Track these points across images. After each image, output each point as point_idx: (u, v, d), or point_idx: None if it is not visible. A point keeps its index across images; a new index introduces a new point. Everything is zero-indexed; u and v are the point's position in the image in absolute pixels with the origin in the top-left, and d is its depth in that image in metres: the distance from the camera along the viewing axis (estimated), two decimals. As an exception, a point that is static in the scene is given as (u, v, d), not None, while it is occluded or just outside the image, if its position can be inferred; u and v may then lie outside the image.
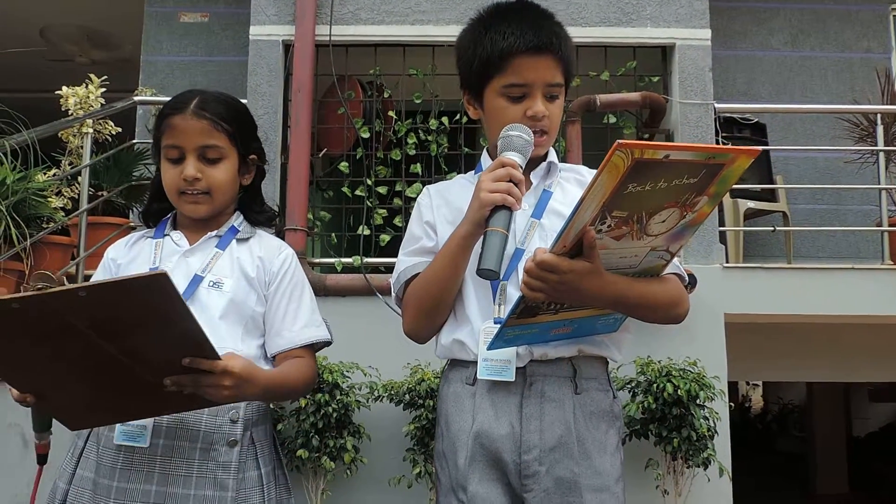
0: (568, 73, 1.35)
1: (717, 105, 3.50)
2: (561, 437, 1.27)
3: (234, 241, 1.41)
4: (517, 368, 1.28)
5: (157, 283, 1.01)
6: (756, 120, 4.16)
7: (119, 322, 1.04)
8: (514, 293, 1.31)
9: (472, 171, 1.49)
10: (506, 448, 1.27)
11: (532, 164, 1.38)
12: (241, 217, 1.46)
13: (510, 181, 1.20)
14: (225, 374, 1.15)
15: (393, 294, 1.44)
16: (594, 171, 1.40)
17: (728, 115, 3.91)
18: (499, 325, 1.26)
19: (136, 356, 1.09)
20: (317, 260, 3.38)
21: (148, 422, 1.25)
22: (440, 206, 1.43)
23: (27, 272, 2.87)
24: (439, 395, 1.40)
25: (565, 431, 1.27)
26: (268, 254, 1.41)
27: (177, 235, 1.40)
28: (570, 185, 1.41)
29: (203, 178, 1.34)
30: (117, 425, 1.26)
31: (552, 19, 1.36)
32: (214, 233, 1.41)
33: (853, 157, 4.15)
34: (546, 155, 1.41)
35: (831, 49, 4.83)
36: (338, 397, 2.72)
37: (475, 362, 1.30)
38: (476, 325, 1.32)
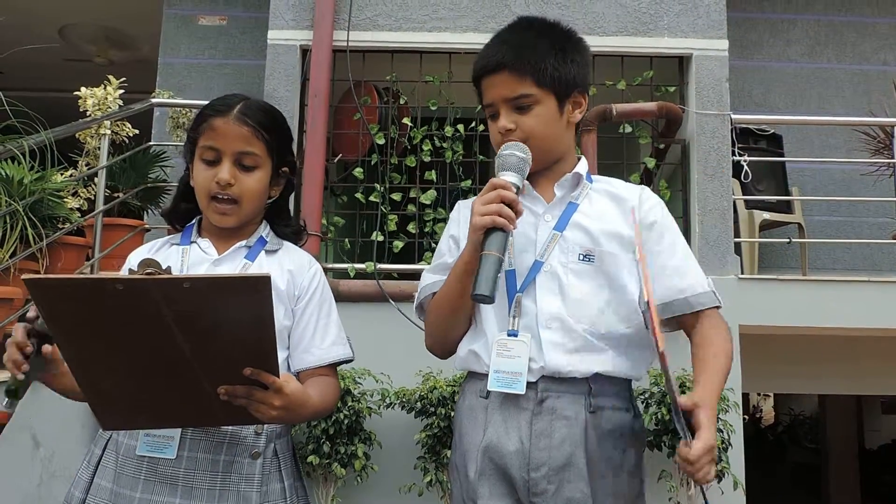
0: (542, 79, 1.32)
1: (733, 116, 3.47)
2: (570, 455, 1.24)
3: (262, 252, 1.40)
4: (529, 383, 1.27)
5: (260, 285, 1.00)
6: (772, 131, 4.13)
7: (205, 319, 1.02)
8: (529, 305, 1.30)
9: None
10: (514, 464, 1.26)
11: (557, 175, 1.38)
12: (269, 228, 1.45)
13: (502, 202, 1.22)
14: (279, 394, 1.13)
15: (414, 309, 1.47)
16: (627, 184, 1.42)
17: (744, 126, 3.89)
18: (512, 337, 1.27)
19: (205, 359, 1.07)
20: (330, 265, 3.38)
21: (175, 433, 1.24)
22: (467, 220, 1.41)
23: (42, 272, 2.88)
24: (456, 407, 1.40)
25: (575, 450, 1.25)
26: (298, 268, 1.40)
27: (205, 243, 1.38)
28: (601, 197, 1.39)
29: (236, 185, 1.33)
30: (140, 435, 1.25)
31: (531, 30, 1.36)
32: (244, 242, 1.40)
33: (869, 169, 4.12)
34: (574, 166, 1.40)
35: (848, 61, 4.80)
36: (349, 404, 2.72)
37: (488, 374, 1.30)
38: (491, 336, 1.31)
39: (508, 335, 1.29)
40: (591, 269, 1.32)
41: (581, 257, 1.32)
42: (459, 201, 1.52)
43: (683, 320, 1.35)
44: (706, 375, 1.24)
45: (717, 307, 1.35)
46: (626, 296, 1.32)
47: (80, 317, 1.01)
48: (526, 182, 1.36)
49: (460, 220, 1.44)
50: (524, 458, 1.25)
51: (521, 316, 1.29)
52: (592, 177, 1.43)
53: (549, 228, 1.35)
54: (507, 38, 1.36)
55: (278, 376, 1.13)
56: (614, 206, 1.38)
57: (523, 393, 1.26)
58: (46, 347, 1.13)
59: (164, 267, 1.08)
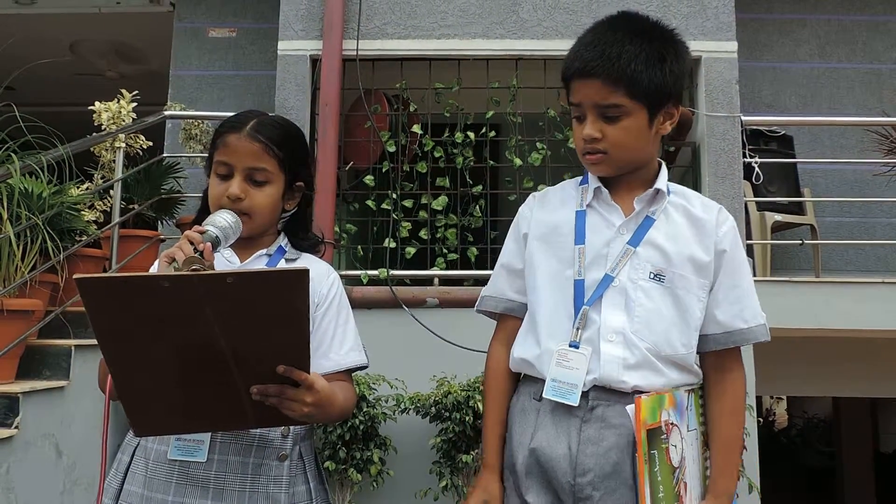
0: (636, 91, 1.27)
1: (743, 118, 3.48)
2: (617, 464, 1.24)
3: (283, 260, 1.43)
4: (581, 392, 1.27)
5: (300, 279, 1.02)
6: (783, 132, 4.13)
7: (245, 315, 1.03)
8: (595, 318, 1.29)
9: (579, 179, 1.44)
10: (560, 468, 1.26)
11: (636, 184, 1.35)
12: (287, 239, 1.48)
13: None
14: (311, 391, 1.15)
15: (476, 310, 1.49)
16: (704, 202, 1.39)
17: (755, 127, 3.89)
18: (573, 349, 1.28)
19: (241, 356, 1.08)
20: (343, 272, 3.40)
21: (205, 437, 1.27)
22: (537, 218, 1.42)
23: (61, 285, 2.92)
24: (510, 405, 1.40)
25: (622, 459, 1.24)
26: (317, 276, 1.42)
27: (227, 252, 1.41)
28: (678, 214, 1.35)
29: (246, 199, 1.36)
30: (171, 440, 1.27)
31: (631, 33, 1.29)
32: (265, 251, 1.43)
33: (882, 169, 4.10)
34: (654, 175, 1.36)
35: (859, 60, 4.79)
36: (364, 409, 2.73)
37: (544, 380, 1.30)
38: (547, 346, 1.31)
39: (570, 346, 1.29)
40: (661, 288, 1.30)
41: (652, 276, 1.30)
42: (534, 193, 1.48)
43: (709, 355, 1.35)
44: (724, 468, 1.32)
45: (768, 339, 1.35)
46: (691, 320, 1.31)
47: (125, 315, 1.02)
48: (604, 189, 1.35)
49: (532, 218, 1.43)
50: (571, 463, 1.25)
51: (584, 328, 1.29)
52: (670, 186, 1.39)
53: (623, 242, 1.32)
54: (605, 40, 1.28)
55: (309, 374, 1.15)
56: (691, 227, 1.35)
57: (577, 405, 1.26)
58: (208, 247, 1.19)
59: (207, 264, 1.10)
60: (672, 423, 1.26)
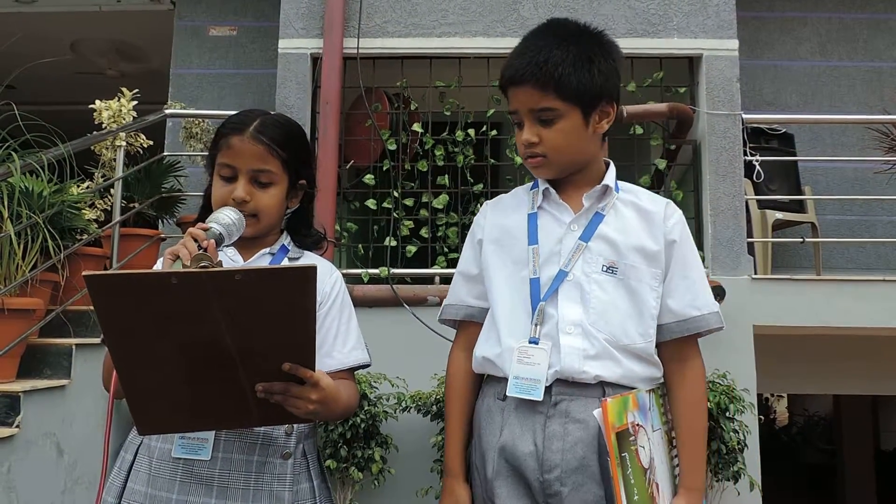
0: (566, 93, 1.30)
1: (744, 116, 3.48)
2: (583, 458, 1.25)
3: (286, 259, 1.43)
4: (545, 387, 1.29)
5: (308, 275, 1.02)
6: (784, 130, 4.12)
7: (253, 312, 1.04)
8: (552, 313, 1.31)
9: (530, 185, 1.48)
10: (528, 466, 1.27)
11: (583, 183, 1.39)
12: (289, 237, 1.48)
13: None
14: (316, 388, 1.15)
15: (438, 320, 1.51)
16: (653, 196, 1.43)
17: (755, 125, 3.88)
18: (533, 345, 1.29)
19: (247, 353, 1.08)
20: (344, 271, 3.40)
21: (209, 435, 1.27)
22: (490, 223, 1.46)
23: (62, 284, 2.92)
24: (475, 408, 1.42)
25: (588, 454, 1.26)
26: (320, 274, 1.42)
27: (230, 251, 1.41)
28: (626, 209, 1.40)
29: (252, 201, 1.36)
30: (175, 438, 1.27)
31: (557, 38, 1.33)
32: (267, 250, 1.43)
33: (883, 167, 4.10)
34: (601, 173, 1.40)
35: (860, 58, 4.78)
36: (366, 408, 2.74)
37: (507, 378, 1.31)
38: (508, 344, 1.33)
39: (530, 342, 1.31)
40: (614, 280, 1.33)
41: (604, 268, 1.33)
42: (487, 202, 1.52)
43: (667, 345, 1.37)
44: (691, 462, 1.34)
45: (720, 328, 1.38)
46: (646, 310, 1.33)
47: (132, 312, 1.02)
48: (552, 190, 1.39)
49: (485, 225, 1.47)
50: (538, 459, 1.27)
51: (542, 324, 1.31)
52: (619, 184, 1.44)
53: (574, 238, 1.36)
54: (533, 47, 1.33)
55: (315, 371, 1.15)
56: (640, 219, 1.38)
57: (541, 399, 1.28)
58: (212, 244, 1.19)
59: (216, 261, 1.10)
60: (638, 425, 1.28)
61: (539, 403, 1.28)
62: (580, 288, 1.32)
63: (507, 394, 1.30)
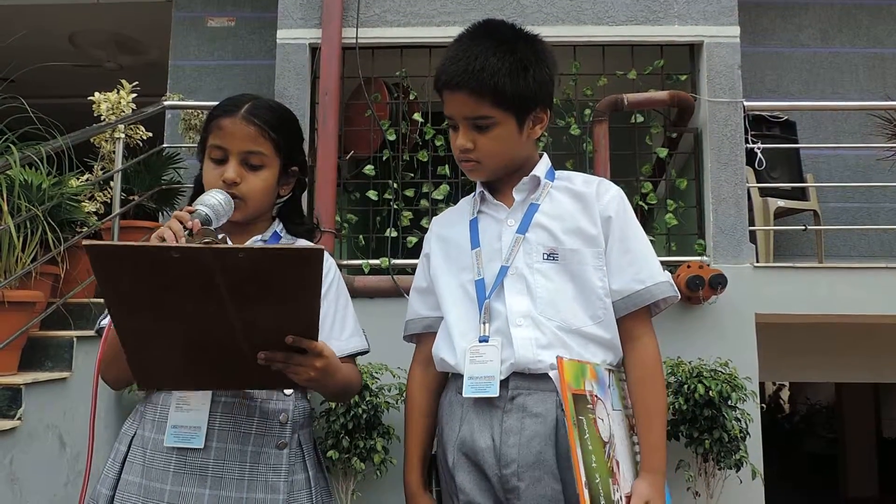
0: (502, 102, 1.30)
1: (745, 103, 3.45)
2: (540, 453, 1.25)
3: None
4: (500, 381, 1.29)
5: (313, 258, 1.03)
6: (785, 118, 4.10)
7: (256, 289, 1.04)
8: (499, 308, 1.33)
9: (472, 195, 1.50)
10: (487, 461, 1.28)
11: (517, 182, 1.40)
12: (282, 225, 1.47)
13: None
14: (319, 356, 1.17)
15: (403, 338, 1.55)
16: (586, 178, 1.44)
17: (757, 113, 3.86)
18: (483, 343, 1.31)
19: (251, 325, 1.09)
20: (344, 262, 3.40)
21: (202, 423, 1.27)
22: (436, 237, 1.50)
23: (62, 276, 2.91)
24: (440, 403, 1.43)
25: (545, 448, 1.26)
26: None
27: (220, 237, 1.41)
28: (562, 195, 1.40)
29: (242, 183, 1.35)
30: (167, 427, 1.27)
31: (493, 44, 1.32)
32: (259, 237, 1.43)
33: (885, 154, 4.08)
34: (530, 170, 1.41)
35: (862, 44, 4.75)
36: (367, 398, 2.73)
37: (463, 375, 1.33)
38: (459, 344, 1.34)
39: (480, 341, 1.32)
40: (557, 267, 1.34)
41: (545, 256, 1.34)
42: (435, 217, 1.56)
43: (620, 325, 1.36)
44: (649, 443, 1.31)
45: (674, 297, 1.37)
46: (593, 291, 1.34)
47: (135, 283, 1.03)
48: (486, 192, 1.42)
49: (432, 238, 1.51)
50: (496, 454, 1.27)
51: (490, 321, 1.33)
52: (556, 173, 1.45)
53: (512, 232, 1.37)
54: (469, 53, 1.32)
55: (317, 342, 1.17)
56: (574, 202, 1.39)
57: (497, 395, 1.28)
58: (197, 223, 1.18)
59: (219, 237, 1.10)
60: (596, 396, 1.27)
61: (496, 398, 1.29)
62: (524, 279, 1.33)
63: (464, 395, 1.31)
